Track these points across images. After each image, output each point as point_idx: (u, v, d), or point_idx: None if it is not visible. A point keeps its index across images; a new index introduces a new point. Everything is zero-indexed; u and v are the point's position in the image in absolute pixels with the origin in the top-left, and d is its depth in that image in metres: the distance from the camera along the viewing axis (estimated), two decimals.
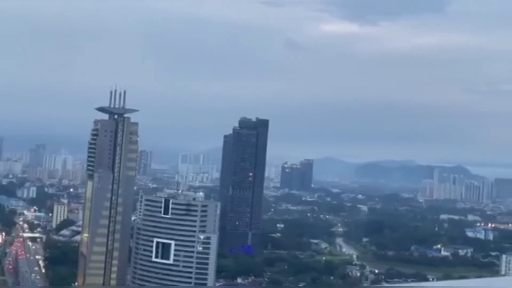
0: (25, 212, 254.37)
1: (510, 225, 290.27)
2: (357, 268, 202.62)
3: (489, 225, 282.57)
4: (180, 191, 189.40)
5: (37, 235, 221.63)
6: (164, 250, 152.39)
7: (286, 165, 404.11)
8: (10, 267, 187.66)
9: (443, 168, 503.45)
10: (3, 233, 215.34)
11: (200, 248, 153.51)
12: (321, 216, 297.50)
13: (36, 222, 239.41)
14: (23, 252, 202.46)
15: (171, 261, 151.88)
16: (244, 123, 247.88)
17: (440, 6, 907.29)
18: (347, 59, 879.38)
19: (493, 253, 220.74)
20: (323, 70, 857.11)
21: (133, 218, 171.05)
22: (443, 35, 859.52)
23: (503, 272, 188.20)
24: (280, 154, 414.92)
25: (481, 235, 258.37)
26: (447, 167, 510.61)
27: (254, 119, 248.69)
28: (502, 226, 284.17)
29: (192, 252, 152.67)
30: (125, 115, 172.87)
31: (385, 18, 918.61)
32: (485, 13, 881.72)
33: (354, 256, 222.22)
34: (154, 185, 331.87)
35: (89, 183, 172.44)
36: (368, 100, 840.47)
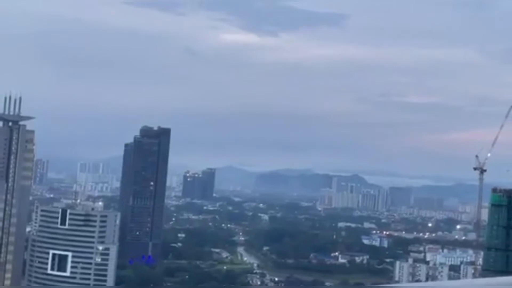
0: None
1: (403, 232, 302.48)
2: (258, 276, 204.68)
3: (384, 232, 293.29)
4: (78, 201, 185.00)
5: None
6: (60, 262, 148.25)
7: (188, 174, 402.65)
8: None
9: (340, 177, 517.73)
10: None
11: (98, 259, 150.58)
12: (223, 225, 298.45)
13: None
14: None
15: (68, 273, 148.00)
16: (146, 132, 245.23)
17: (337, 20, 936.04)
18: (247, 68, 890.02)
19: (387, 260, 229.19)
20: (223, 78, 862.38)
21: (28, 229, 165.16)
22: (339, 48, 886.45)
23: (396, 278, 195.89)
24: (181, 163, 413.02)
25: (376, 242, 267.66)
26: (344, 176, 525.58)
27: (155, 128, 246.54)
28: (396, 233, 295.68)
29: (90, 263, 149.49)
30: (21, 123, 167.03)
31: (284, 29, 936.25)
32: (380, 27, 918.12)
33: (255, 265, 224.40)
34: (51, 195, 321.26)
35: None
36: (268, 109, 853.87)
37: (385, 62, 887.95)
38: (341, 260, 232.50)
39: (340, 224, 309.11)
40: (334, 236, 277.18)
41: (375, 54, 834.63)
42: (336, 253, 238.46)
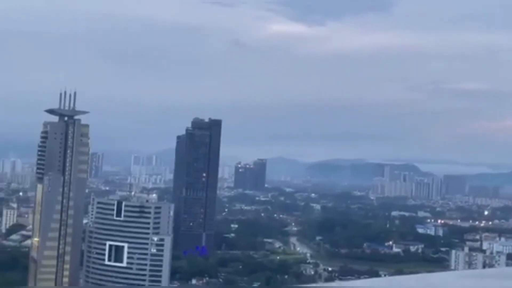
0: None
1: (458, 220, 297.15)
2: (311, 266, 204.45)
3: (439, 221, 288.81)
4: (132, 193, 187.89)
5: None
6: (117, 253, 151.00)
7: (239, 165, 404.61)
8: None
9: (393, 166, 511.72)
10: None
11: (153, 250, 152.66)
12: (275, 215, 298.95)
13: None
14: None
15: (124, 264, 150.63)
16: (197, 124, 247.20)
17: (385, 6, 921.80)
18: (296, 59, 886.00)
19: (443, 249, 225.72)
20: (273, 70, 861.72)
21: (85, 221, 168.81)
22: (388, 35, 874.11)
23: (452, 267, 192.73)
24: (233, 154, 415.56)
25: (431, 231, 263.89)
26: (397, 164, 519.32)
27: (206, 120, 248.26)
28: (451, 222, 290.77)
29: (146, 254, 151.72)
30: (76, 117, 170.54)
31: (332, 18, 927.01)
32: (428, 14, 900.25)
33: (308, 255, 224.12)
34: (106, 188, 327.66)
35: (39, 187, 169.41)
36: (318, 99, 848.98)
37: (435, 49, 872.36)
38: (395, 250, 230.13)
39: (394, 213, 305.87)
40: (388, 225, 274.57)
41: (424, 41, 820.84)
42: (390, 243, 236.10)
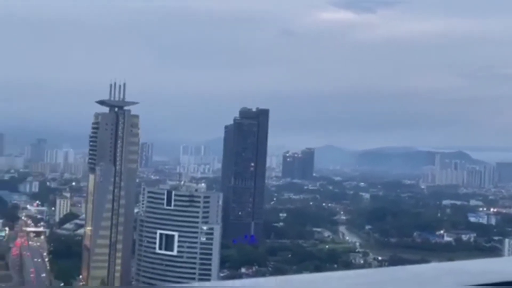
0: (28, 206, 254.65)
1: None
2: (360, 255, 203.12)
3: (492, 209, 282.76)
4: (182, 183, 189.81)
5: (40, 229, 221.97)
6: (167, 242, 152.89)
7: (287, 154, 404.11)
8: (15, 261, 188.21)
9: (444, 154, 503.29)
10: (7, 228, 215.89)
11: (203, 239, 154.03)
12: (324, 204, 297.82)
13: (39, 216, 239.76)
14: (27, 247, 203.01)
15: (175, 253, 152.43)
16: (245, 113, 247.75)
17: None
18: (345, 47, 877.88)
19: (496, 238, 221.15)
20: (321, 58, 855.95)
21: (136, 210, 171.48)
22: (438, 21, 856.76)
23: (506, 256, 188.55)
24: (281, 143, 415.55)
25: (483, 220, 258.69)
26: (448, 152, 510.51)
27: (254, 109, 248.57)
28: (504, 210, 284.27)
29: (196, 243, 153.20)
30: (125, 108, 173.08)
31: (381, 5, 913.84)
32: None
33: (357, 244, 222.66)
34: (156, 177, 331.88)
35: (91, 177, 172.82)
36: (367, 87, 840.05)
37: (487, 34, 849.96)
38: (447, 239, 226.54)
39: (445, 202, 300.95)
40: (439, 214, 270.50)
41: (476, 26, 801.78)
42: (441, 232, 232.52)
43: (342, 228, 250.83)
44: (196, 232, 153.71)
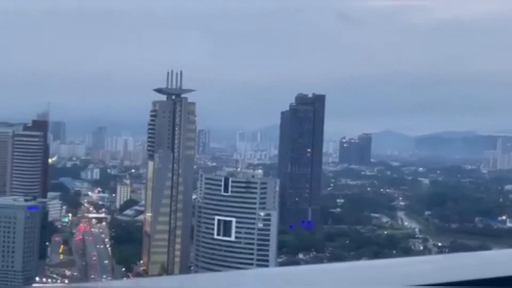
0: (90, 193, 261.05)
1: None
2: (420, 241, 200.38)
3: None
4: (239, 169, 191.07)
5: (102, 215, 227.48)
6: (225, 228, 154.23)
7: (344, 140, 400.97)
8: (78, 246, 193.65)
9: (506, 138, 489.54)
10: (70, 214, 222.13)
11: (260, 225, 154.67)
12: (381, 190, 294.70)
13: (100, 202, 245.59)
14: (89, 232, 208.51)
15: (233, 238, 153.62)
16: (301, 99, 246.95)
17: None
18: (402, 31, 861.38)
19: None
20: (377, 43, 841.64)
21: (194, 196, 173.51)
22: (498, 2, 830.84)
23: None
24: (337, 129, 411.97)
25: None
26: (510, 136, 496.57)
27: (310, 95, 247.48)
28: None
29: (253, 229, 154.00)
30: (182, 95, 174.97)
31: None
32: None
33: (417, 230, 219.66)
34: (213, 164, 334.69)
35: (150, 163, 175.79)
36: (425, 71, 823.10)
37: None
38: (509, 224, 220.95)
39: (507, 187, 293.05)
40: (501, 199, 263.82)
41: None
42: (504, 217, 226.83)
43: (400, 214, 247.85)
44: (254, 218, 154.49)
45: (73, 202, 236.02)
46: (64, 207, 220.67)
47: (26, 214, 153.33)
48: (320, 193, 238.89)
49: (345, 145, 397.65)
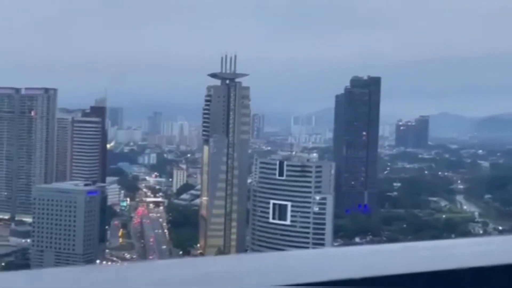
0: (147, 178, 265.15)
1: None
2: (480, 225, 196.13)
3: None
4: (294, 153, 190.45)
5: (159, 199, 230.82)
6: (280, 211, 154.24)
7: (400, 123, 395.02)
8: (136, 230, 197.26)
9: None
10: (128, 199, 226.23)
11: (316, 209, 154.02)
12: (439, 173, 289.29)
13: (157, 187, 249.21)
14: (147, 216, 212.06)
15: (288, 222, 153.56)
16: (356, 82, 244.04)
17: None
18: (460, 11, 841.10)
19: None
20: (435, 23, 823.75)
21: (249, 180, 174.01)
22: None
23: None
24: (393, 111, 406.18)
25: None
26: None
27: (365, 77, 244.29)
28: None
29: (309, 212, 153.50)
30: (237, 80, 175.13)
31: None
32: None
33: (476, 213, 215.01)
34: (268, 148, 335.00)
35: (205, 148, 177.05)
36: (484, 52, 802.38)
37: None
38: None
39: None
40: None
41: None
42: None
43: (459, 198, 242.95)
44: (309, 202, 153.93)
45: (131, 186, 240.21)
46: (122, 191, 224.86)
47: (86, 198, 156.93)
48: (376, 176, 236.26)
49: (401, 128, 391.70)
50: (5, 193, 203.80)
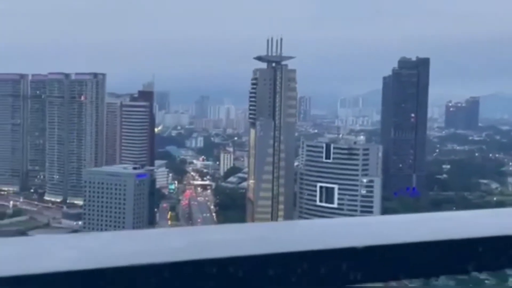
0: (194, 161, 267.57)
1: None
2: None
3: None
4: (340, 136, 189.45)
5: (206, 182, 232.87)
6: (328, 194, 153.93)
7: (450, 104, 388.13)
8: (184, 212, 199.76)
9: None
10: (176, 182, 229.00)
11: (363, 192, 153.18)
12: (490, 155, 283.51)
13: (205, 170, 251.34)
14: (195, 199, 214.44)
15: (335, 205, 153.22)
16: (404, 63, 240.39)
17: None
18: None
19: None
20: (482, 2, 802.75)
21: (295, 163, 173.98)
22: None
23: None
24: (442, 93, 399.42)
25: None
26: None
27: (414, 58, 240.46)
28: None
29: (356, 195, 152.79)
30: (283, 63, 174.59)
31: None
32: None
33: None
34: (315, 131, 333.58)
35: (252, 131, 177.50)
36: None
37: None
38: None
39: None
40: None
41: None
42: None
43: (511, 180, 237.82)
44: (356, 185, 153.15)
45: (178, 170, 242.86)
46: (170, 174, 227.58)
47: (135, 181, 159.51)
48: (425, 159, 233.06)
49: (451, 109, 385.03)
50: (57, 177, 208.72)
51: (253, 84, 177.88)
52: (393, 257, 1.92)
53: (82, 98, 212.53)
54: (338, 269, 1.80)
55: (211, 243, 1.77)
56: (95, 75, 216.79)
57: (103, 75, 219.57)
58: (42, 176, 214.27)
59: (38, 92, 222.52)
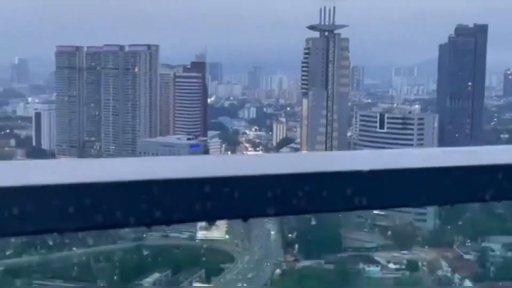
0: (247, 131, 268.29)
1: None
2: None
3: None
4: (394, 105, 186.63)
5: (260, 153, 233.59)
6: None
7: (509, 72, 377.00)
8: None
9: None
10: (229, 152, 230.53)
11: None
12: None
13: (257, 140, 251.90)
14: None
15: None
16: (460, 31, 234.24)
17: None
18: None
19: None
20: None
21: (349, 133, 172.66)
22: None
23: None
24: (501, 60, 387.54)
25: None
26: None
27: (471, 25, 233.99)
28: None
29: None
30: (336, 32, 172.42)
31: None
32: None
33: None
34: (368, 100, 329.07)
35: (304, 101, 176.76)
36: None
37: None
38: None
39: None
40: None
41: None
42: None
43: None
44: None
45: (231, 140, 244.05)
46: (223, 145, 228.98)
47: (189, 151, 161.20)
48: (482, 128, 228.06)
49: (510, 77, 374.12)
50: (113, 147, 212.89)
51: (305, 53, 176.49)
52: (402, 182, 1.85)
53: (136, 69, 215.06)
54: (342, 192, 1.77)
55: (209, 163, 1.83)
56: (149, 46, 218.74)
57: (157, 46, 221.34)
58: (98, 147, 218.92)
59: (93, 64, 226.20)
